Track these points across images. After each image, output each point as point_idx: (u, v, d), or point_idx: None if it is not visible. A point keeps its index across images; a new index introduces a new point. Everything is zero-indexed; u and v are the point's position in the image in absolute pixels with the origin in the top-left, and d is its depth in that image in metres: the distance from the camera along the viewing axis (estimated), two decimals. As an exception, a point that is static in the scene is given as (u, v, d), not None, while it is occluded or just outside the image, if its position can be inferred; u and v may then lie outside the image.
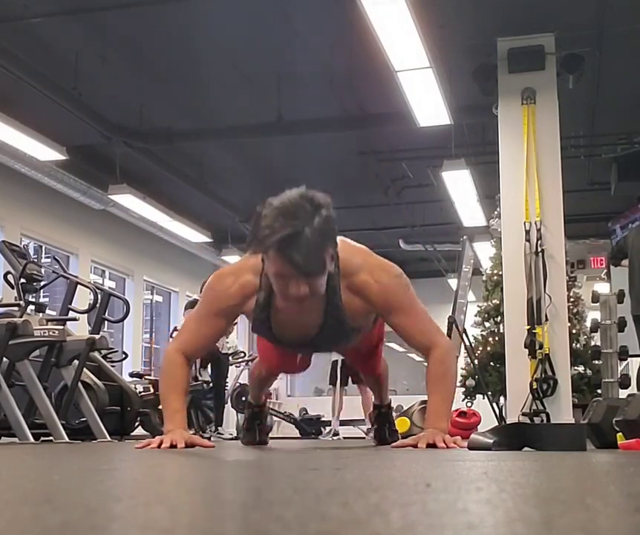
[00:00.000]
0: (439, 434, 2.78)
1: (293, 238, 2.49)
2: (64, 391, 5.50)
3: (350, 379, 8.78)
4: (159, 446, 2.68)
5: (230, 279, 2.92)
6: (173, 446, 2.66)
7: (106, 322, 7.34)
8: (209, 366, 9.34)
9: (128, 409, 6.57)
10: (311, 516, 0.79)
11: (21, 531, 0.70)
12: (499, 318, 8.69)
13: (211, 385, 8.89)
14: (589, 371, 8.09)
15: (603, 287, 10.48)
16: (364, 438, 8.60)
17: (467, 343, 8.44)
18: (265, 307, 2.87)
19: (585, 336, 8.53)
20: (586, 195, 11.12)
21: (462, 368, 9.06)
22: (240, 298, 2.87)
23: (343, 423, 9.61)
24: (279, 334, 2.98)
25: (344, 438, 8.85)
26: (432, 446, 2.72)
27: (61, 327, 5.15)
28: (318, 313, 2.87)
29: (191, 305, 9.81)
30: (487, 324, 9.11)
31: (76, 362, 5.25)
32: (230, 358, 9.92)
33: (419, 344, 2.95)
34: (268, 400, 4.50)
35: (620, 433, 3.09)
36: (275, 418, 11.17)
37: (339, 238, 2.75)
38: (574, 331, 7.94)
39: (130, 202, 10.90)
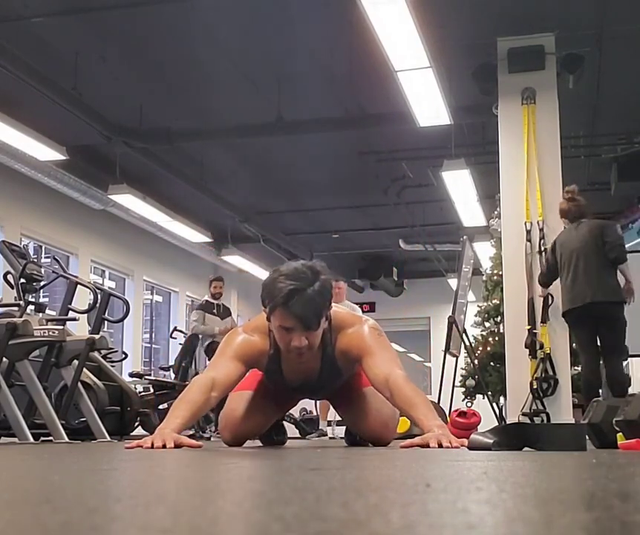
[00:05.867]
0: (446, 435, 2.81)
1: (296, 295, 2.97)
2: (64, 391, 5.50)
3: None
4: (151, 447, 2.70)
5: (242, 336, 3.32)
6: (163, 446, 2.69)
7: (106, 322, 7.34)
8: None
9: (128, 409, 6.57)
10: (311, 516, 0.79)
11: (21, 531, 0.70)
12: (499, 318, 8.69)
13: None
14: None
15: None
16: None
17: (467, 343, 8.45)
18: (276, 360, 3.31)
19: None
20: (586, 195, 11.10)
21: (462, 368, 9.07)
22: (250, 353, 3.26)
23: (330, 423, 9.60)
24: (289, 380, 3.40)
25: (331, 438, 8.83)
26: (440, 446, 2.73)
27: (61, 327, 5.15)
28: (316, 363, 3.33)
29: (201, 306, 9.84)
30: (487, 324, 9.12)
31: (75, 362, 5.25)
32: None
33: (378, 376, 3.16)
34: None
35: (620, 433, 3.09)
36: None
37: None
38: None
39: (130, 202, 10.90)
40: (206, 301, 9.87)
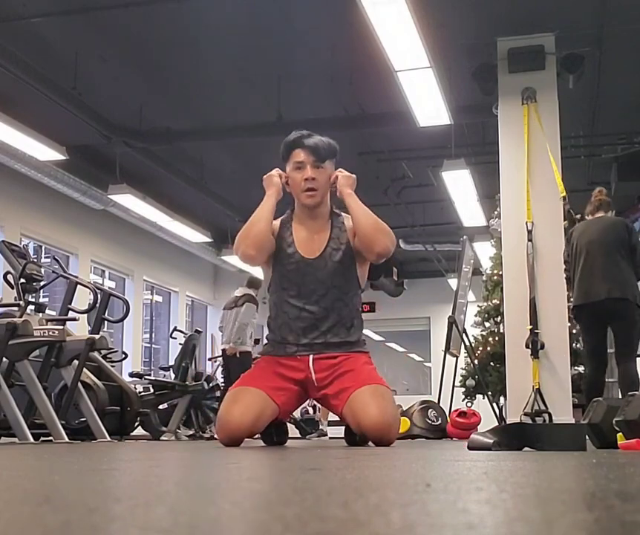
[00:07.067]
0: (350, 184, 3.99)
1: (308, 135, 3.85)
2: (64, 391, 5.50)
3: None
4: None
5: None
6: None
7: (106, 322, 7.34)
8: (221, 369, 9.37)
9: (128, 409, 6.57)
10: (311, 516, 0.79)
11: (21, 531, 0.70)
12: (499, 318, 8.69)
13: (210, 385, 8.89)
14: (589, 371, 8.07)
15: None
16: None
17: (467, 343, 8.45)
18: (288, 221, 3.92)
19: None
20: (586, 195, 11.11)
21: (462, 368, 9.07)
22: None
23: (332, 423, 9.61)
24: (298, 245, 3.82)
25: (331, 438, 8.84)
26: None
27: (61, 327, 5.15)
28: (326, 229, 3.87)
29: (250, 283, 9.55)
30: (487, 324, 9.11)
31: (75, 362, 5.25)
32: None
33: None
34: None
35: (620, 433, 3.10)
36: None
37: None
38: (574, 331, 7.94)
39: (130, 202, 10.90)
40: (255, 277, 9.44)
